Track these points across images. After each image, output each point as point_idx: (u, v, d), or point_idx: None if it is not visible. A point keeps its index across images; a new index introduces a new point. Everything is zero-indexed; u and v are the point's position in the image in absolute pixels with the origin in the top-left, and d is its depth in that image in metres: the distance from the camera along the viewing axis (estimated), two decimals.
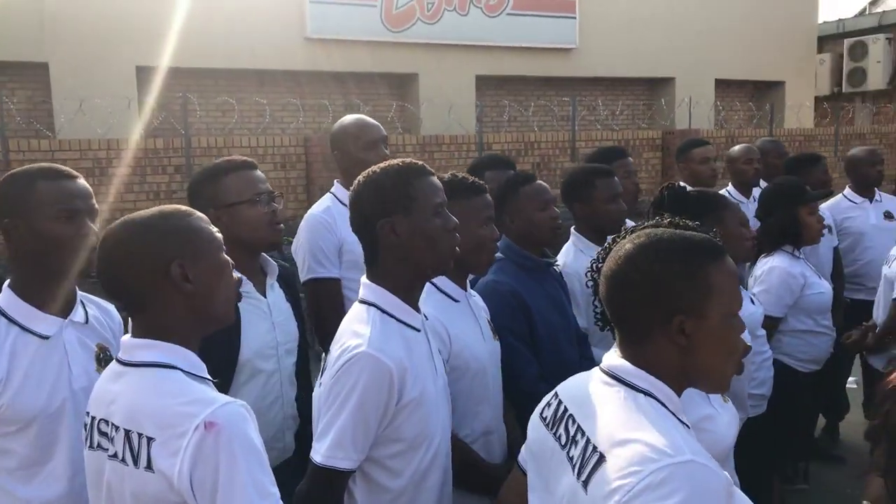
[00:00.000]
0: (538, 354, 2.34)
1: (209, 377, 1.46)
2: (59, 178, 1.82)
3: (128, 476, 1.35)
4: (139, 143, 7.60)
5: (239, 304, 2.01)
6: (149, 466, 1.32)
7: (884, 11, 16.02)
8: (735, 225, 2.40)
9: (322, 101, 9.54)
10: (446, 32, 10.35)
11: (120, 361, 1.46)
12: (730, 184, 4.52)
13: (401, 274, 1.71)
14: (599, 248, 2.85)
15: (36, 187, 1.78)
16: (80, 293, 1.91)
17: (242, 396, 2.01)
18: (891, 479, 1.68)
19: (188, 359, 1.44)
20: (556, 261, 2.58)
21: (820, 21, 14.40)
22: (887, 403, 1.69)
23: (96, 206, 1.87)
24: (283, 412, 2.21)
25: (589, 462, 1.26)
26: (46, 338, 1.77)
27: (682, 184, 2.49)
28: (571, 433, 1.34)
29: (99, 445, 1.43)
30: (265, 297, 2.22)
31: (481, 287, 2.35)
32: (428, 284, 1.88)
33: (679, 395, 1.33)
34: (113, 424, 1.39)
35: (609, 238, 1.77)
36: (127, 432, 1.36)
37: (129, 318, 1.49)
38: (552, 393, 1.48)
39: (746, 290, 2.82)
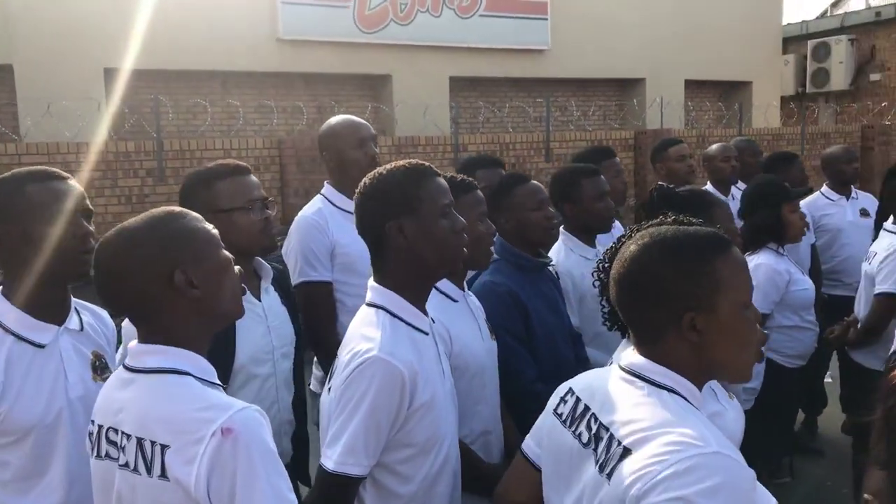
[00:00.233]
0: (535, 354, 2.34)
1: (219, 382, 1.43)
2: (50, 180, 1.77)
3: (140, 485, 1.32)
4: (109, 147, 7.45)
5: None
6: (163, 475, 1.29)
7: (845, 13, 16.39)
8: (726, 222, 2.42)
9: (295, 102, 9.46)
10: (419, 33, 10.33)
11: (128, 368, 1.42)
12: (708, 182, 4.58)
13: (409, 276, 1.70)
14: (589, 247, 2.92)
15: (26, 191, 1.73)
16: (73, 300, 1.86)
17: None
18: (893, 473, 1.70)
19: (199, 364, 1.41)
20: (551, 260, 2.58)
21: (784, 23, 14.67)
22: (891, 399, 1.72)
23: (90, 206, 1.83)
24: (279, 417, 2.18)
25: (614, 456, 1.26)
26: (42, 346, 1.72)
27: (662, 184, 2.52)
28: (594, 430, 1.34)
29: (107, 455, 1.39)
30: (260, 300, 2.18)
31: (478, 288, 2.34)
32: None
33: (700, 389, 1.34)
34: (123, 433, 1.36)
35: (615, 239, 1.78)
36: (139, 440, 1.32)
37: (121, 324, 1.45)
38: (565, 389, 1.47)
39: None
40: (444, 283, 2.05)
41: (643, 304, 1.35)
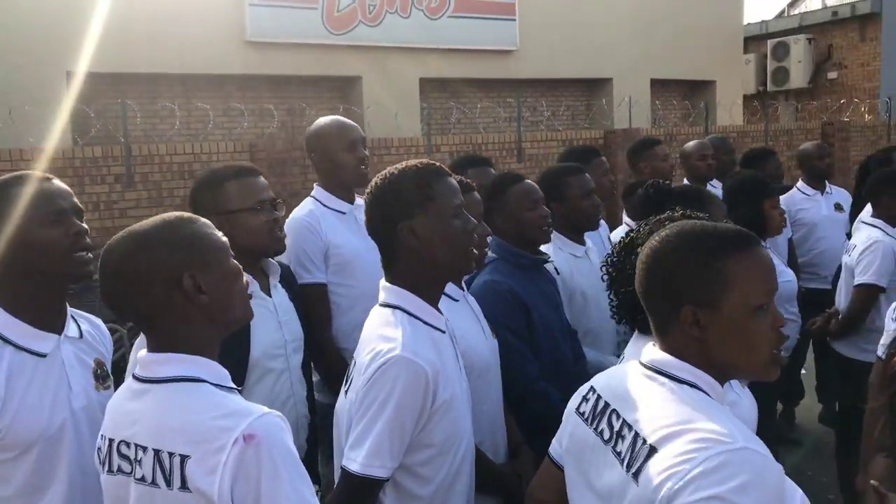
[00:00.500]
0: (536, 351, 2.35)
1: (234, 386, 1.40)
2: (33, 182, 1.73)
3: (160, 499, 1.28)
4: (76, 152, 7.28)
5: None
6: (184, 486, 1.25)
7: (802, 13, 16.80)
8: (721, 218, 2.45)
9: (264, 105, 9.35)
10: (388, 35, 10.28)
11: (138, 379, 1.38)
12: (684, 179, 4.64)
13: (422, 276, 1.69)
14: (578, 245, 2.94)
15: (12, 194, 1.68)
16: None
17: (254, 396, 1.96)
18: None
19: (213, 370, 1.38)
20: (549, 258, 2.59)
21: (745, 22, 14.96)
22: (894, 385, 1.76)
23: (79, 203, 1.79)
24: (296, 411, 2.18)
25: (639, 455, 1.25)
26: (44, 356, 1.67)
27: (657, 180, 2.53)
28: (616, 428, 1.34)
29: (120, 469, 1.35)
30: (269, 296, 2.19)
31: (478, 287, 2.34)
32: None
33: (721, 384, 1.34)
34: (138, 445, 1.32)
35: (624, 233, 1.79)
36: (156, 452, 1.29)
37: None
38: (587, 388, 1.47)
39: None
40: None
41: (653, 292, 1.36)
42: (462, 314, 2.07)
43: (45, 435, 1.63)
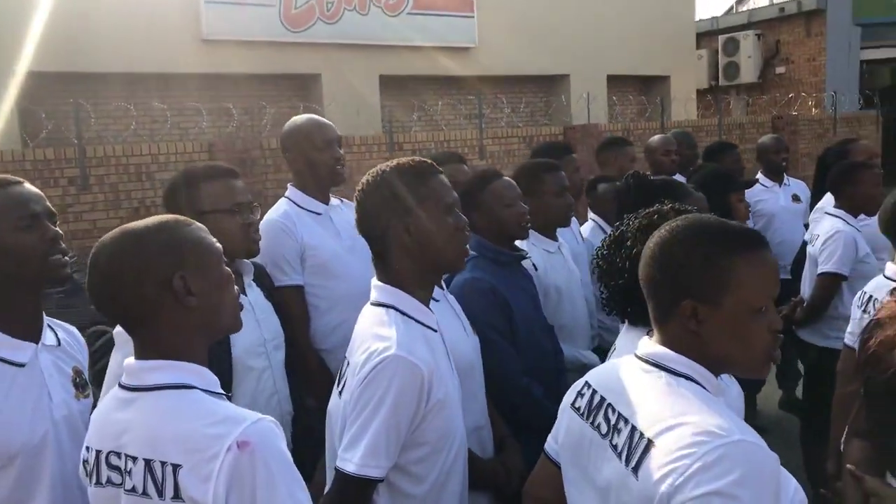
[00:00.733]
0: (518, 348, 2.35)
1: (223, 392, 1.38)
2: (6, 185, 1.68)
3: None
4: (27, 155, 7.05)
5: None
6: (177, 496, 1.23)
7: (751, 9, 17.20)
8: (704, 211, 2.49)
9: (224, 104, 9.20)
10: (347, 32, 10.21)
11: (125, 387, 1.35)
12: (647, 173, 4.70)
13: (414, 274, 1.68)
14: (551, 241, 2.96)
15: None
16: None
17: (237, 395, 1.93)
18: (876, 441, 1.79)
19: (204, 376, 1.35)
20: (528, 255, 2.60)
21: (697, 19, 15.26)
22: (867, 369, 1.81)
23: (52, 207, 1.75)
24: (280, 409, 2.16)
25: (637, 448, 1.26)
26: (22, 365, 1.62)
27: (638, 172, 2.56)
28: (612, 422, 1.35)
29: (109, 481, 1.31)
30: (245, 294, 2.16)
31: (458, 284, 2.34)
32: None
33: (716, 376, 1.36)
34: (127, 456, 1.28)
35: (616, 224, 1.80)
36: (147, 462, 1.25)
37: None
38: (582, 383, 1.48)
39: None
40: None
41: (656, 282, 1.36)
42: (444, 313, 2.05)
43: (28, 446, 1.59)
